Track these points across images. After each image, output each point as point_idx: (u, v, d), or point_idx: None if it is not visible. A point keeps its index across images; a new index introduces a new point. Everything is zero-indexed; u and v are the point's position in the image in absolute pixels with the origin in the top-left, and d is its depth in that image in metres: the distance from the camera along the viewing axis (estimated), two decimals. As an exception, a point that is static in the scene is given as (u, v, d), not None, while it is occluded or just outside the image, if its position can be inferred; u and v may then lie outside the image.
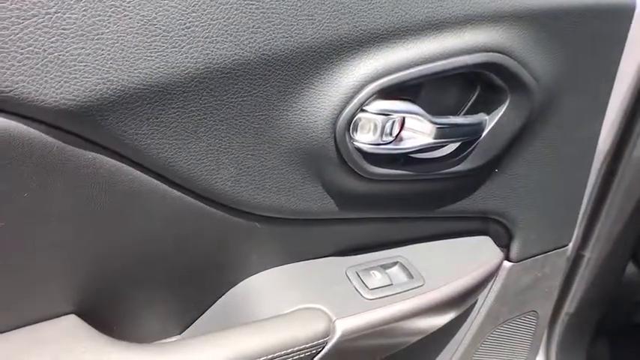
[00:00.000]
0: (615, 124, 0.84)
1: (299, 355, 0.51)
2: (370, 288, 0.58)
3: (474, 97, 0.58)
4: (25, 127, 0.37)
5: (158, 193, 0.45)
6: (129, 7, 0.38)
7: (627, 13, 0.58)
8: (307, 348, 0.51)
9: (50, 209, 0.41)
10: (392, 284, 0.59)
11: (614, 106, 0.81)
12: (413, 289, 0.59)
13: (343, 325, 0.54)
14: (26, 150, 0.37)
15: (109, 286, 0.49)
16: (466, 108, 0.58)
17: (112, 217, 0.44)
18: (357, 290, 0.58)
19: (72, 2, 0.36)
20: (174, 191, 0.46)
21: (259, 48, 0.43)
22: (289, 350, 0.50)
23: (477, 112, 0.57)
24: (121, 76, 0.38)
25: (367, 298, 0.57)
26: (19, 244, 0.41)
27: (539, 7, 0.52)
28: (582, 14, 0.55)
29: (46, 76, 0.36)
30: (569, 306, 0.97)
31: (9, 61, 0.35)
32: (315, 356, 0.53)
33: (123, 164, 0.42)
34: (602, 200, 0.88)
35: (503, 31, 0.51)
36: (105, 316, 0.50)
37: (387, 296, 0.58)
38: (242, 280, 0.57)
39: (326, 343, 0.53)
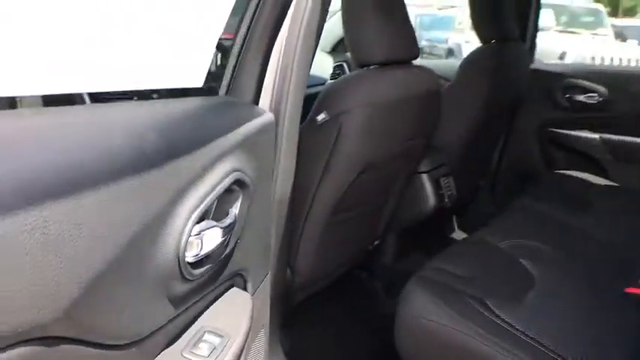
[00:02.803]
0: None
1: None
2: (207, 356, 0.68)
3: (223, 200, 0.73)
4: None
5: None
6: None
7: (272, 124, 0.85)
8: None
9: None
10: (215, 346, 0.70)
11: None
12: (228, 345, 0.72)
13: None
14: None
15: None
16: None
17: None
18: None
19: None
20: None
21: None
22: None
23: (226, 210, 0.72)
24: None
25: None
26: None
27: (245, 137, 0.74)
28: (257, 135, 0.79)
29: None
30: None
31: None
32: None
33: None
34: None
35: (242, 156, 0.72)
36: None
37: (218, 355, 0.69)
38: None
39: None
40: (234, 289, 0.83)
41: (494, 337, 0.98)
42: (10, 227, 0.40)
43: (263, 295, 0.95)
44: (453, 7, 9.96)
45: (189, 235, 0.62)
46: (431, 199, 1.69)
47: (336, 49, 2.74)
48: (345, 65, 2.64)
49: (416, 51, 1.29)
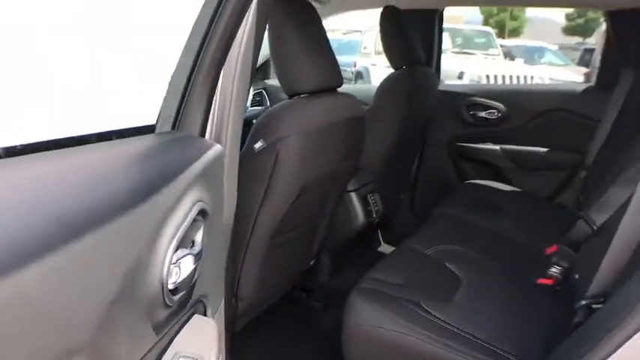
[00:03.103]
0: None
1: None
2: None
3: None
4: None
5: None
6: None
7: (221, 155, 0.89)
8: None
9: None
10: None
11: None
12: None
13: None
14: None
15: None
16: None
17: None
18: None
19: None
20: None
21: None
22: None
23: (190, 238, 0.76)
24: None
25: None
26: None
27: (202, 169, 0.78)
28: (211, 166, 0.83)
29: None
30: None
31: None
32: None
33: None
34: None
35: (201, 187, 0.76)
36: None
37: None
38: None
39: None
40: (197, 316, 0.85)
41: (435, 335, 1.08)
42: (43, 267, 0.45)
43: (219, 321, 0.98)
44: (357, 31, 10.44)
45: (171, 263, 0.66)
46: (360, 216, 1.80)
47: (253, 77, 2.81)
48: (264, 92, 2.73)
49: (340, 79, 1.40)
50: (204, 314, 0.88)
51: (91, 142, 0.68)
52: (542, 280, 1.39)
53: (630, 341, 0.67)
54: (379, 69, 8.03)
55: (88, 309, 0.51)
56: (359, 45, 9.64)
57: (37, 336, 0.45)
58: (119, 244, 0.55)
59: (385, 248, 2.38)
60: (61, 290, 0.47)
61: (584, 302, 0.94)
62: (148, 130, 0.84)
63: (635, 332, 0.67)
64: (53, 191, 0.52)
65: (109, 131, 0.73)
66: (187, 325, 0.78)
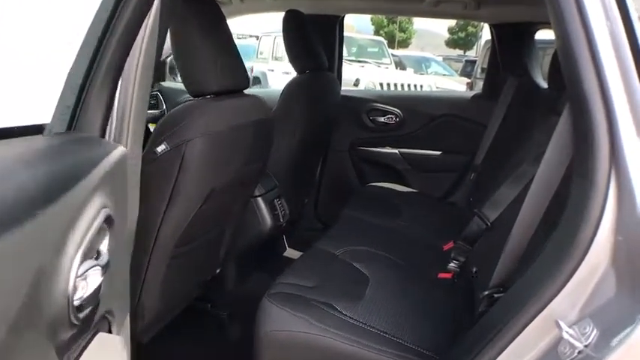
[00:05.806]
0: None
1: None
2: None
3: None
4: None
5: None
6: None
7: (124, 157, 0.84)
8: None
9: None
10: None
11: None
12: None
13: None
14: None
15: None
16: None
17: None
18: None
19: None
20: None
21: None
22: None
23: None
24: None
25: None
26: None
27: (106, 172, 0.73)
28: (114, 169, 0.79)
29: None
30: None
31: None
32: None
33: None
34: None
35: (106, 192, 0.71)
36: None
37: None
38: None
39: None
40: (102, 334, 0.78)
41: (348, 334, 1.10)
42: None
43: (125, 338, 0.91)
44: (253, 36, 10.41)
45: (76, 277, 0.60)
46: (268, 221, 1.79)
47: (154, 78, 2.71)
48: (159, 95, 2.63)
49: (246, 81, 1.38)
50: (109, 331, 0.82)
51: None
52: (442, 275, 1.47)
53: (533, 323, 0.72)
54: (277, 74, 8.08)
55: None
56: (255, 51, 9.60)
57: None
58: (22, 252, 0.49)
59: (290, 253, 2.38)
60: None
61: (486, 292, 1.00)
62: (35, 130, 0.77)
63: (536, 315, 0.73)
64: None
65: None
66: (91, 345, 0.71)
